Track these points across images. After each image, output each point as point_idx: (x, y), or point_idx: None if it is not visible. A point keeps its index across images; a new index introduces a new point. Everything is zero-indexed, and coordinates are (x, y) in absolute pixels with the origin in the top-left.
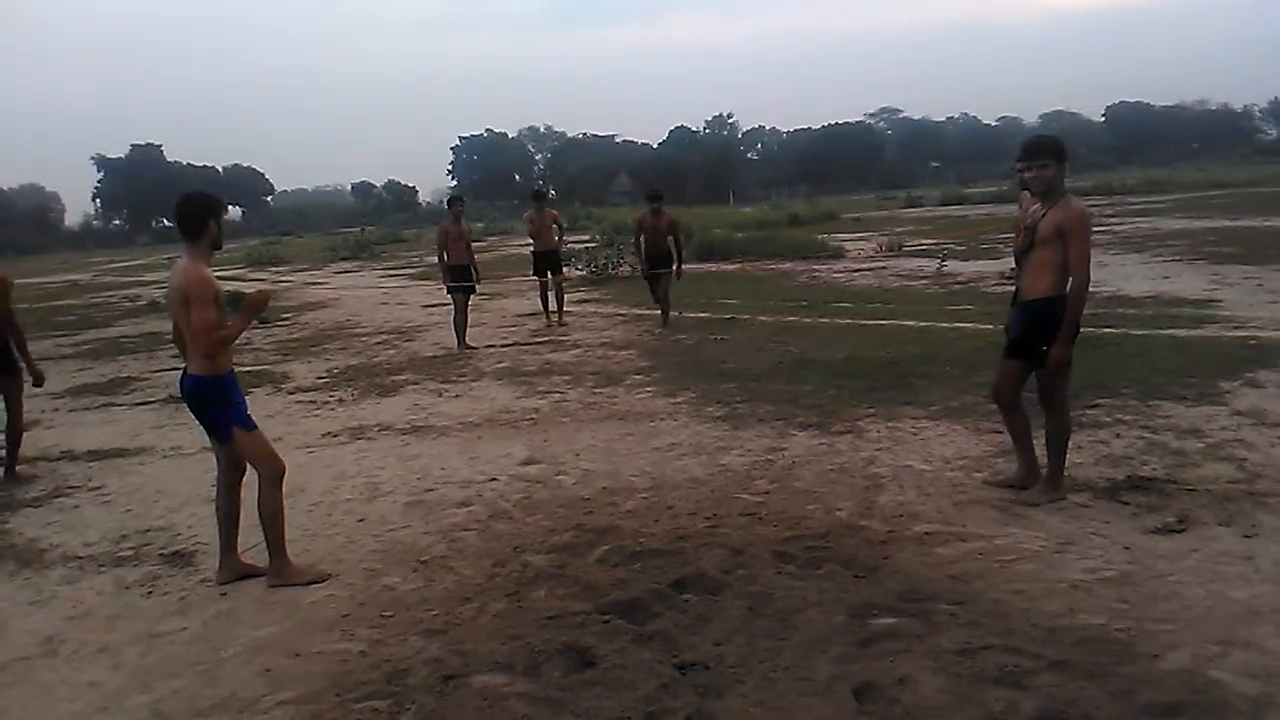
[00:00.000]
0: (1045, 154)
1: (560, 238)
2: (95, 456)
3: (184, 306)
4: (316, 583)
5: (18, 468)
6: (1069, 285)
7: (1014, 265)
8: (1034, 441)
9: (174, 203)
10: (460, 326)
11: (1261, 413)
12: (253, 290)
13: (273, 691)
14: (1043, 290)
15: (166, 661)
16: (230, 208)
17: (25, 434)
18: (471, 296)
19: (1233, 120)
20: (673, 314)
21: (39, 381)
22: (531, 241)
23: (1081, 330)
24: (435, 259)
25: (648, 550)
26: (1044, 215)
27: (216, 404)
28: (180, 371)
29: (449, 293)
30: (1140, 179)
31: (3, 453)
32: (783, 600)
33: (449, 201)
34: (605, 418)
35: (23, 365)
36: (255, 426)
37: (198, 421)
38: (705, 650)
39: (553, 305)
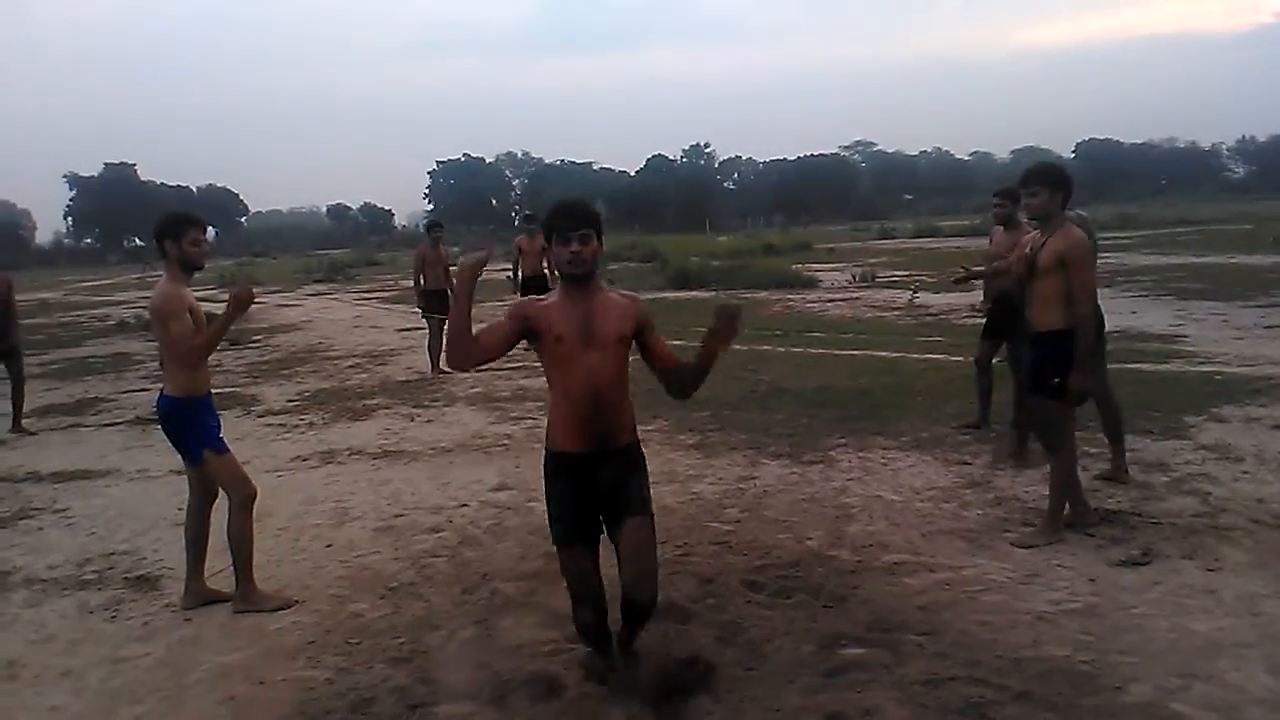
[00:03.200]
0: (1037, 181)
1: (548, 265)
2: (60, 478)
3: (159, 323)
4: (283, 609)
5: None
6: (1074, 314)
7: (983, 298)
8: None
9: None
10: (435, 351)
11: (1226, 447)
12: (248, 328)
13: (236, 719)
14: (1053, 323)
15: (129, 687)
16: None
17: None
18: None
19: (1200, 158)
20: None
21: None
22: (510, 268)
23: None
24: (410, 283)
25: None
26: (1044, 244)
27: (188, 426)
28: (158, 392)
29: (424, 317)
30: (1110, 214)
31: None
32: (752, 630)
33: (428, 227)
34: None
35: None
36: (227, 450)
37: (170, 442)
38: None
39: None
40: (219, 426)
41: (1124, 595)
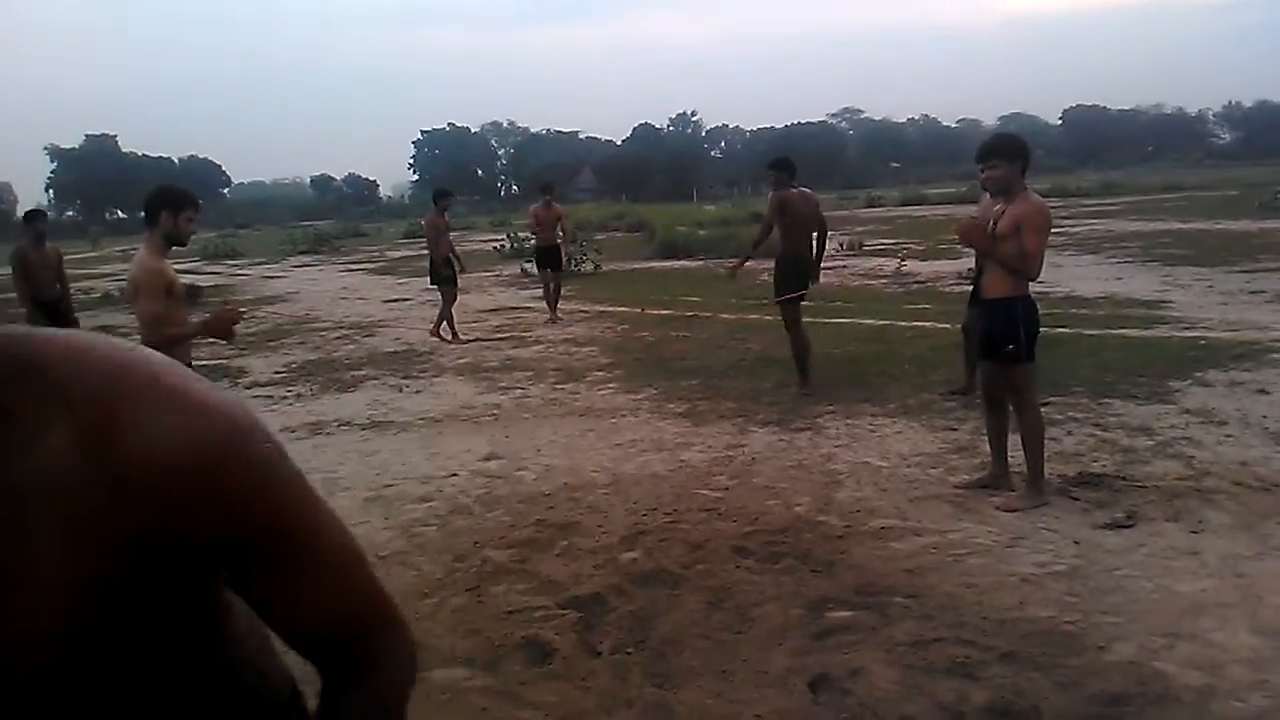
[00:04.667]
0: (995, 155)
1: (563, 236)
2: None
3: (136, 296)
4: None
5: None
6: (1023, 280)
7: (972, 266)
8: (1008, 441)
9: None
10: (450, 318)
11: (1210, 411)
12: (217, 302)
13: None
14: (1001, 291)
15: None
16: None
17: None
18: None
19: (1187, 124)
20: (635, 311)
21: (77, 324)
22: (533, 236)
23: (1039, 330)
24: (405, 254)
25: (608, 545)
26: (1003, 212)
27: None
28: None
29: (439, 286)
30: (1096, 181)
31: None
32: (741, 594)
33: (437, 195)
34: (566, 414)
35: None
36: None
37: None
38: (664, 644)
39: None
40: None
41: (1108, 557)
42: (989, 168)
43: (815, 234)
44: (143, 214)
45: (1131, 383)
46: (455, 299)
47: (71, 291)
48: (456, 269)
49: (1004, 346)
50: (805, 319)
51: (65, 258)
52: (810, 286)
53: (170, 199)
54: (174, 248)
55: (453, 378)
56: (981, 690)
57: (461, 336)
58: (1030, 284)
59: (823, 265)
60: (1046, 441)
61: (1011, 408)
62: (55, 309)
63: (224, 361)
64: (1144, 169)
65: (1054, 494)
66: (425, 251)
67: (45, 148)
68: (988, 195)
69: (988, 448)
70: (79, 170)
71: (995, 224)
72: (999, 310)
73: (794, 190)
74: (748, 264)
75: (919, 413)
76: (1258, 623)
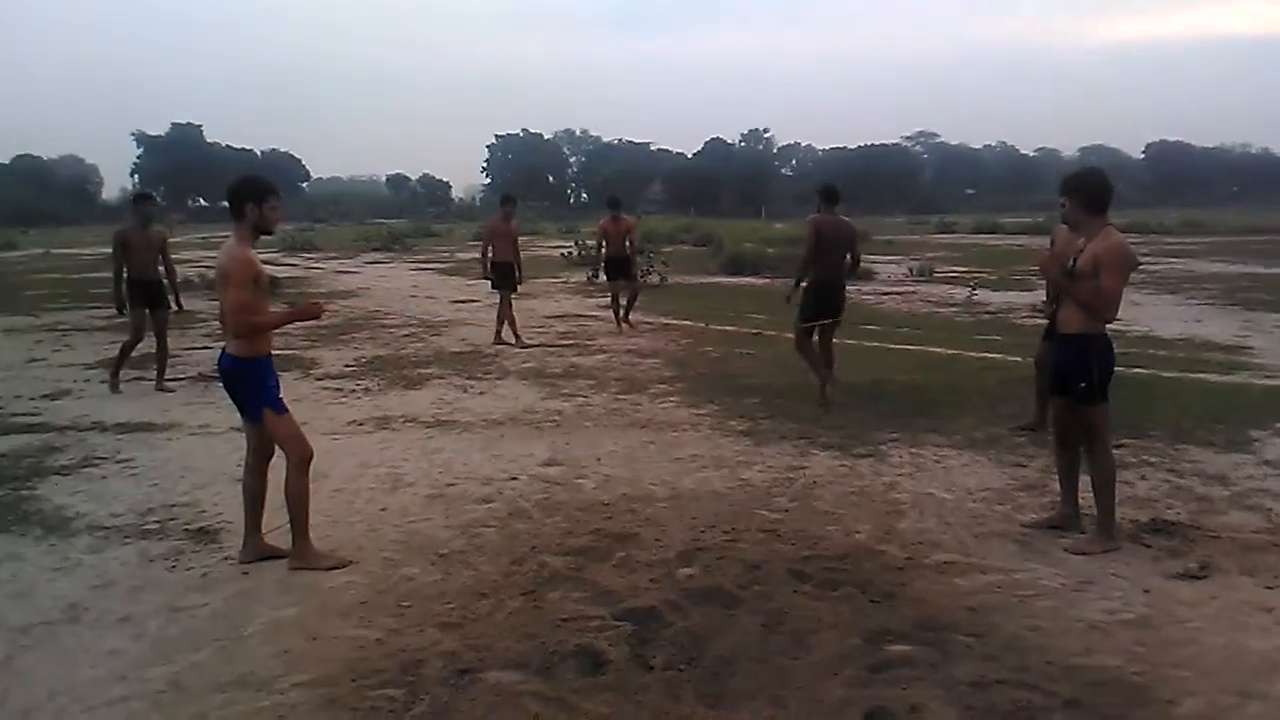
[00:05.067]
0: (1062, 191)
1: (631, 249)
2: (124, 429)
3: (224, 284)
4: (337, 568)
5: (166, 382)
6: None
7: (1045, 298)
8: (1079, 482)
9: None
10: (504, 320)
11: None
12: (294, 294)
13: (289, 672)
14: (1077, 326)
15: (187, 635)
16: None
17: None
18: (514, 293)
19: (1276, 165)
20: (700, 325)
21: (180, 308)
22: (595, 246)
23: (1114, 370)
24: (474, 255)
25: (665, 559)
26: (1083, 249)
27: (250, 385)
28: (220, 350)
29: (493, 289)
30: (1177, 219)
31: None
32: (798, 619)
33: (502, 200)
34: (628, 424)
35: (171, 297)
36: (286, 410)
37: (230, 400)
38: (718, 664)
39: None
40: (278, 387)
41: (1179, 608)
42: (1060, 204)
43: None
44: (227, 206)
45: (1209, 429)
46: (508, 303)
47: (178, 276)
48: (516, 274)
49: (1076, 384)
50: (873, 344)
51: None
52: (838, 316)
53: (252, 190)
54: (261, 236)
55: (516, 381)
56: None
57: (525, 340)
58: (1107, 324)
59: (890, 291)
60: (1119, 485)
61: (1083, 448)
62: (153, 290)
63: (298, 353)
64: (1228, 209)
65: (1125, 539)
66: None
67: (132, 133)
68: (1064, 228)
69: (1058, 487)
70: (164, 157)
71: (1075, 260)
72: (1073, 346)
73: (829, 216)
74: (801, 287)
75: (986, 446)
76: None
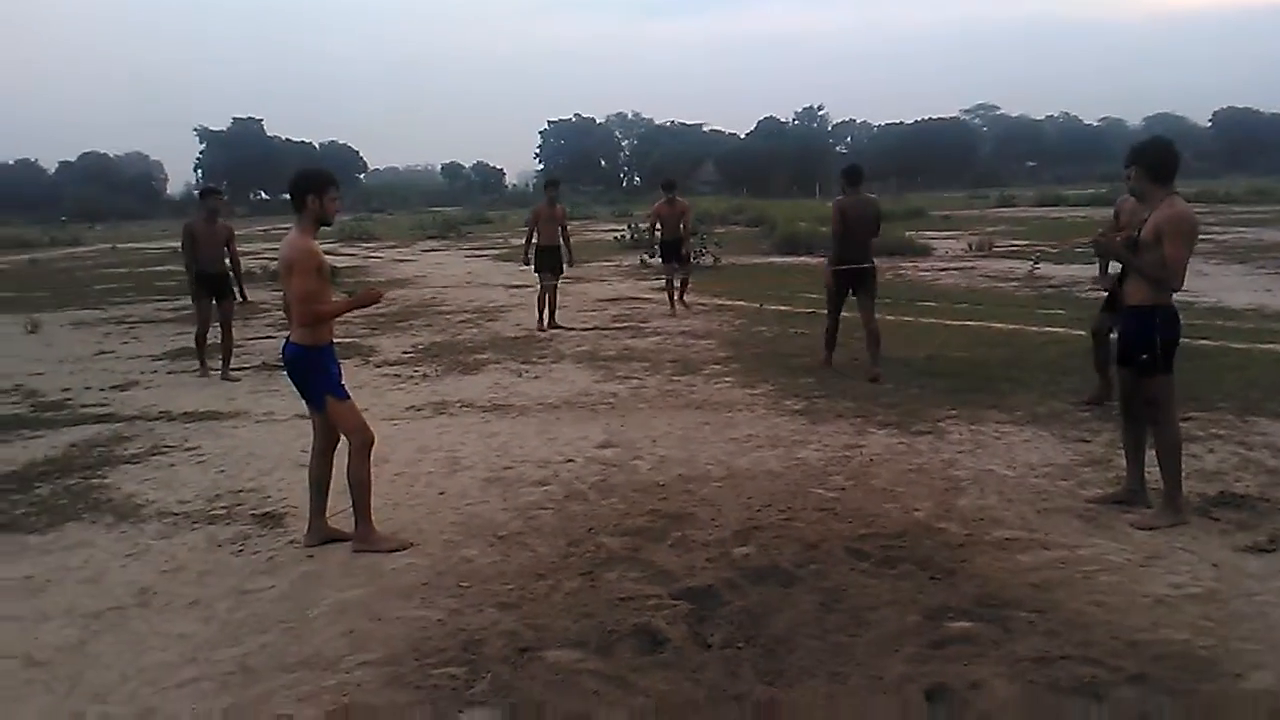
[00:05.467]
0: (1128, 161)
1: (686, 231)
2: (191, 418)
3: (288, 275)
4: (398, 550)
5: (231, 371)
6: (1163, 289)
7: (1099, 272)
8: (1146, 455)
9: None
10: (542, 306)
11: None
12: (352, 282)
13: (354, 652)
14: (1141, 298)
15: (254, 618)
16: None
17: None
18: (559, 279)
19: None
20: (754, 306)
21: (244, 299)
22: (647, 229)
23: (1179, 341)
24: (523, 240)
25: (721, 539)
26: (1146, 219)
27: (313, 373)
28: (284, 339)
29: (536, 273)
30: (1245, 187)
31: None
32: (856, 597)
33: (547, 184)
34: (682, 406)
35: (236, 289)
36: (348, 397)
37: (294, 388)
38: (776, 642)
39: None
40: (340, 374)
41: (1248, 582)
42: (1127, 174)
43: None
44: (289, 199)
45: (1278, 401)
46: (549, 290)
47: (243, 268)
48: (562, 259)
49: (1139, 355)
50: (930, 320)
51: None
52: (870, 265)
53: (312, 183)
54: (322, 227)
55: (571, 365)
56: (1108, 712)
57: (546, 327)
58: (1173, 293)
59: (948, 266)
60: (1186, 458)
61: (1149, 421)
62: (219, 282)
63: (358, 340)
64: None
65: (1193, 513)
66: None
67: (195, 129)
68: (1130, 199)
69: (1123, 461)
70: (226, 152)
71: (1139, 231)
72: (1136, 318)
73: (853, 197)
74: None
75: (1049, 422)
76: None
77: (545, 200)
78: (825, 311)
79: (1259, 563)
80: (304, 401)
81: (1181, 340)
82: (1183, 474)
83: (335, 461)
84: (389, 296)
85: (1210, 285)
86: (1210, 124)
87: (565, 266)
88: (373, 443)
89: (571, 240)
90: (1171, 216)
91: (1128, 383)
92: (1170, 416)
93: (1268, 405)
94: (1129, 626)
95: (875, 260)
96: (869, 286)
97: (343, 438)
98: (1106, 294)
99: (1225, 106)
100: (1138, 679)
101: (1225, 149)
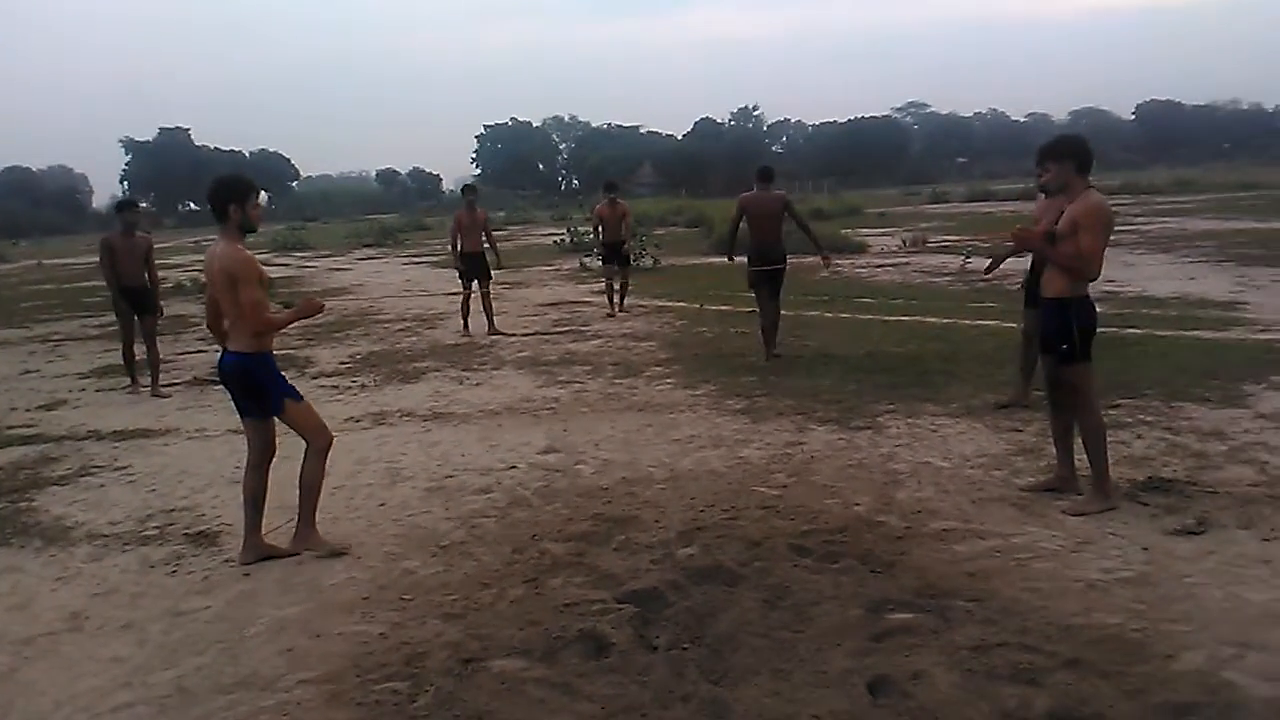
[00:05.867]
0: (1045, 158)
1: (626, 233)
2: (121, 436)
3: (230, 287)
4: (337, 555)
5: (161, 388)
6: (1079, 279)
7: (989, 264)
8: (1074, 443)
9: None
10: (466, 311)
11: None
12: (286, 293)
13: (294, 671)
14: (1057, 290)
15: (190, 639)
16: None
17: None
18: (490, 284)
19: (1265, 121)
20: (694, 306)
21: (161, 313)
22: (591, 232)
23: (1105, 330)
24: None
25: (665, 540)
26: (1063, 212)
27: (268, 377)
28: (218, 352)
29: (459, 279)
30: (1169, 178)
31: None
32: (799, 593)
33: (463, 190)
34: (625, 408)
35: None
36: (303, 398)
37: (240, 399)
38: (721, 641)
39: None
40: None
41: (1178, 564)
42: (1043, 170)
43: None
44: (211, 210)
45: (1204, 386)
46: (484, 296)
47: (161, 281)
48: (487, 263)
49: (1059, 345)
50: (867, 317)
51: None
52: (781, 265)
53: (233, 191)
54: (247, 235)
55: (512, 371)
56: (1045, 697)
57: (472, 333)
58: (1090, 283)
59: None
60: (1115, 445)
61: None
62: (141, 296)
63: (293, 352)
64: (1219, 166)
65: (1122, 499)
66: (485, 246)
67: (120, 140)
68: (1044, 196)
69: (1053, 449)
70: (153, 162)
71: (1055, 223)
72: (1055, 309)
73: (758, 193)
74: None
75: (982, 413)
76: None
77: (464, 206)
78: (752, 310)
79: (1188, 545)
80: (242, 415)
81: (1109, 330)
82: (1109, 460)
83: (271, 475)
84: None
85: (1135, 275)
86: (1133, 117)
87: (494, 272)
88: (331, 444)
89: (507, 246)
90: (1088, 208)
91: (1051, 372)
92: (1092, 403)
93: (1193, 391)
94: (1063, 612)
95: (789, 256)
96: (779, 281)
97: (276, 452)
98: (1026, 290)
99: (1148, 100)
100: (1072, 663)
101: (1149, 142)
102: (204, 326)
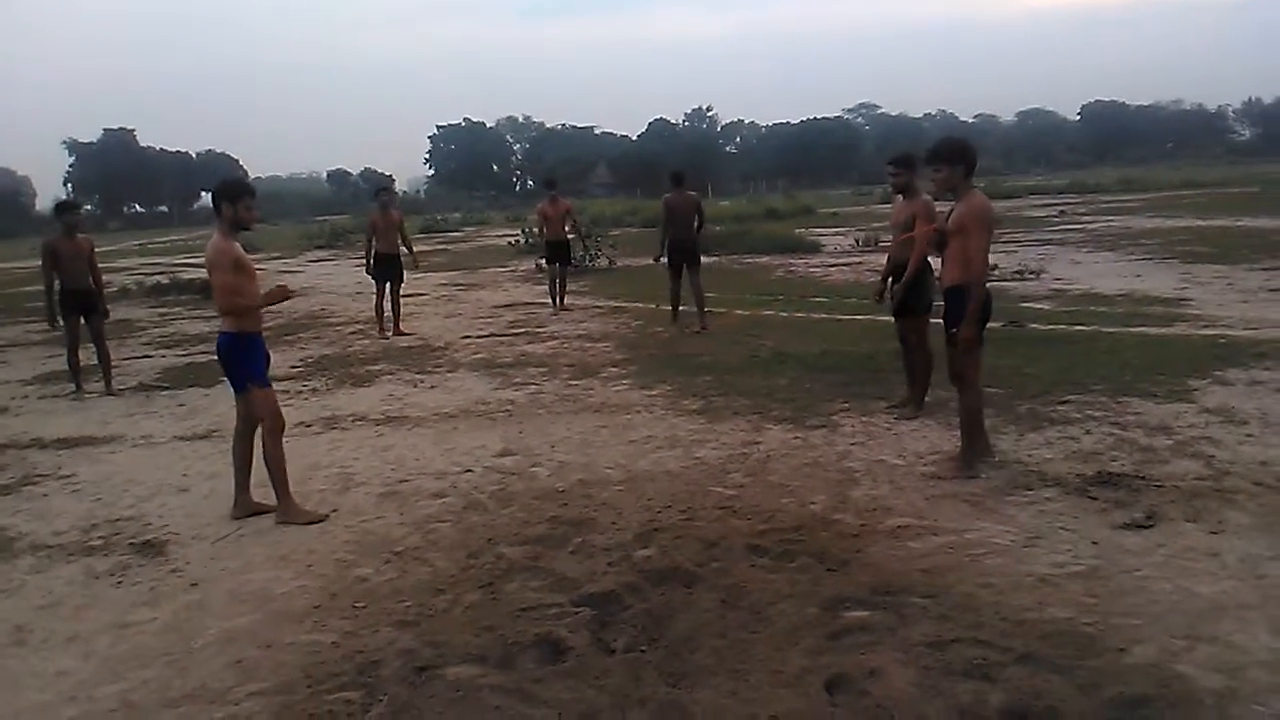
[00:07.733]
0: (938, 159)
1: (571, 230)
2: (64, 444)
3: (211, 272)
4: (316, 523)
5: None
6: (969, 273)
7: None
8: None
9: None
10: (380, 312)
11: (1230, 410)
12: (271, 291)
13: (244, 683)
14: (953, 279)
15: (136, 652)
16: (203, 194)
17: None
18: (402, 286)
19: (1207, 120)
20: (649, 306)
21: (106, 315)
22: (537, 232)
23: (1054, 327)
24: (420, 249)
25: (622, 542)
26: (952, 211)
27: (241, 359)
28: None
29: (374, 280)
30: (1114, 178)
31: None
32: (756, 593)
33: (377, 191)
34: (581, 410)
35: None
36: (269, 385)
37: (226, 374)
38: (679, 643)
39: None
40: (268, 362)
41: (1127, 558)
42: (935, 171)
43: (697, 221)
44: (210, 206)
45: (1151, 381)
46: (382, 294)
47: (105, 283)
48: (401, 265)
49: (950, 330)
50: (821, 316)
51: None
52: (695, 263)
53: (227, 192)
54: (241, 231)
55: (467, 373)
56: (999, 692)
57: (387, 332)
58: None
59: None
60: (1065, 440)
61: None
62: (86, 298)
63: None
64: (1163, 165)
65: (1072, 493)
66: (441, 247)
67: (63, 142)
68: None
69: (1002, 443)
70: (97, 164)
71: (946, 221)
72: (952, 296)
73: (677, 195)
74: (661, 259)
75: (935, 410)
76: (1278, 625)
77: (378, 207)
78: (721, 310)
79: (1137, 539)
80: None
81: (1057, 325)
82: (979, 438)
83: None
84: (274, 310)
85: (1082, 272)
86: (1079, 117)
87: (405, 274)
88: (284, 427)
89: (462, 247)
90: (972, 210)
91: (950, 355)
92: (973, 387)
93: (1140, 386)
94: (1016, 606)
95: (699, 248)
96: (694, 265)
97: (287, 424)
98: (894, 299)
99: (1093, 100)
100: (1026, 658)
101: (1094, 142)
102: (151, 330)
